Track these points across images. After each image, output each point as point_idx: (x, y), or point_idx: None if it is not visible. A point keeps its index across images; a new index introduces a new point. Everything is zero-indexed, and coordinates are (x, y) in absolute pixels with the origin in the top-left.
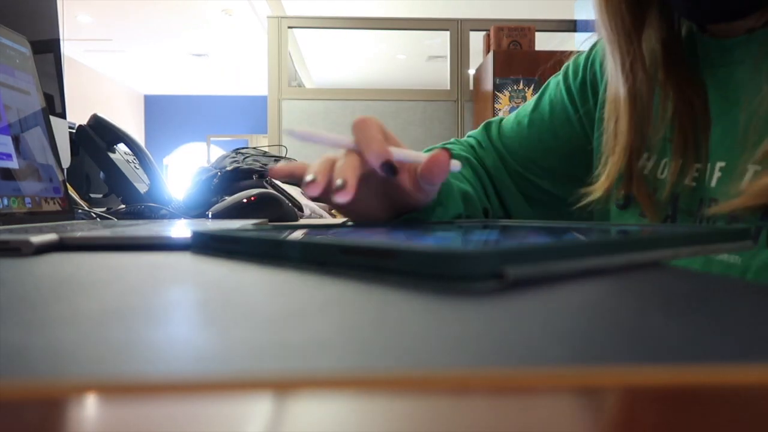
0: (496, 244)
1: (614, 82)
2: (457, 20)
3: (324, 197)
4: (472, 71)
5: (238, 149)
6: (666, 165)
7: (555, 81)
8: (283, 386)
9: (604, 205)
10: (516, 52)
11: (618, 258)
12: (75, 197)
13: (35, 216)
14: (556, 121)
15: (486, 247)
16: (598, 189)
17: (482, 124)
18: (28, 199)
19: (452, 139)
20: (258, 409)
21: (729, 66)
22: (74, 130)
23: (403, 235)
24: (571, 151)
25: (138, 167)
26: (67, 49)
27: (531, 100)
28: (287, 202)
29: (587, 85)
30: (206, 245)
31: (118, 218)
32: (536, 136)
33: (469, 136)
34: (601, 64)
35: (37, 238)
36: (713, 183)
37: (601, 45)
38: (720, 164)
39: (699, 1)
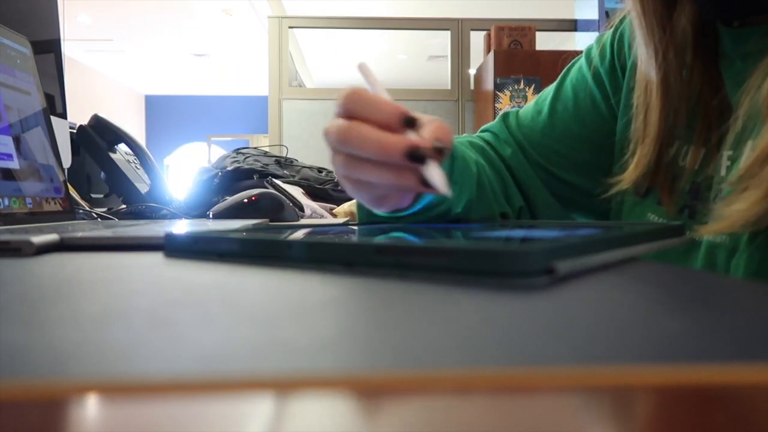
0: (544, 241)
1: (645, 70)
2: (457, 20)
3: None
4: (472, 71)
5: (238, 149)
6: (687, 152)
7: (577, 65)
8: (283, 386)
9: (632, 196)
10: (516, 52)
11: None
12: (76, 197)
13: (36, 216)
14: (582, 107)
15: (535, 244)
16: (626, 179)
17: (500, 115)
18: (29, 200)
19: (464, 135)
20: (258, 409)
21: (742, 57)
22: (75, 131)
23: (432, 232)
24: (598, 139)
25: (139, 167)
26: (67, 49)
27: (549, 88)
28: (288, 202)
29: (617, 67)
30: (207, 246)
31: (119, 218)
32: (560, 125)
33: (484, 130)
34: (630, 46)
35: (38, 239)
36: (722, 172)
37: (628, 26)
38: (728, 153)
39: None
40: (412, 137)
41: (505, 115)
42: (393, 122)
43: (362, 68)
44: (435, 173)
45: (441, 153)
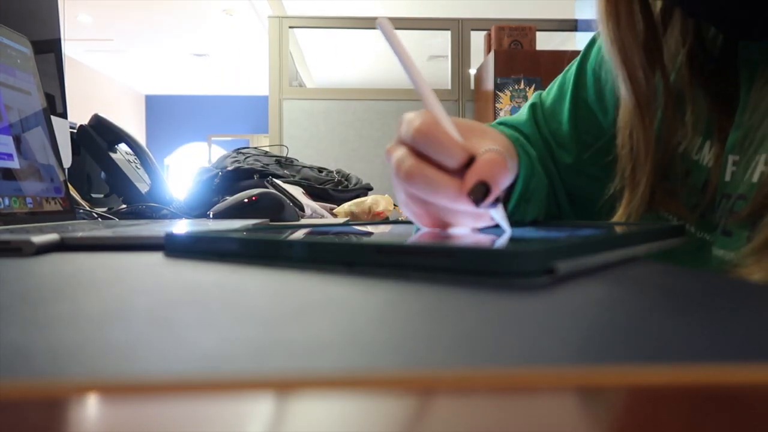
0: (544, 241)
1: (628, 120)
2: (458, 20)
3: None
4: (473, 71)
5: (239, 149)
6: (703, 145)
7: (597, 44)
8: (283, 386)
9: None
10: (517, 52)
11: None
12: (76, 197)
13: (36, 216)
14: (603, 93)
15: (536, 244)
16: (619, 217)
17: (528, 107)
18: (29, 199)
19: (502, 119)
20: (258, 409)
21: (753, 64)
22: (75, 130)
23: (425, 234)
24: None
25: (139, 167)
26: (67, 49)
27: (572, 70)
28: (288, 202)
29: None
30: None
31: (119, 218)
32: (585, 115)
33: (513, 127)
34: None
35: (38, 238)
36: (727, 177)
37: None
38: (733, 158)
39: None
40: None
41: (534, 109)
42: (460, 166)
43: (383, 25)
44: (500, 215)
45: (486, 191)
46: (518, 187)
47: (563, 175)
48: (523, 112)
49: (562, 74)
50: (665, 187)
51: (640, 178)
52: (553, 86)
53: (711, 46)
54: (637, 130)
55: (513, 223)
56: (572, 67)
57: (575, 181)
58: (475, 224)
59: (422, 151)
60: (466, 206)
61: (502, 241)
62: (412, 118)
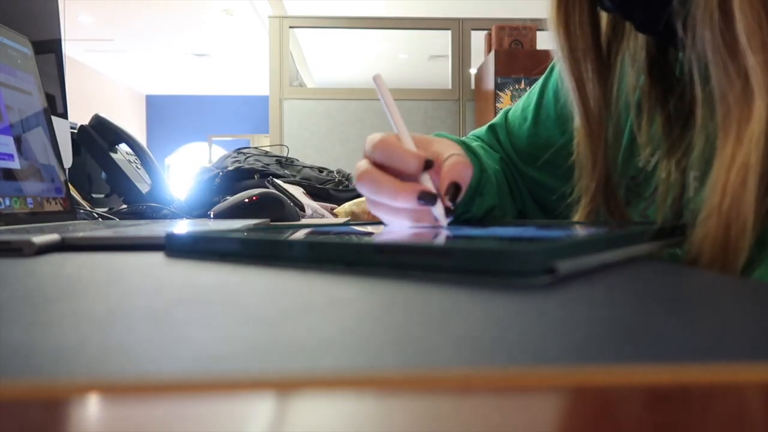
0: (545, 241)
1: (577, 118)
2: (458, 19)
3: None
4: (473, 71)
5: (239, 149)
6: (665, 162)
7: (559, 66)
8: (284, 386)
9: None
10: (517, 52)
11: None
12: (77, 197)
13: (37, 216)
14: (562, 113)
15: (536, 243)
16: (580, 215)
17: (487, 128)
18: (29, 200)
19: (475, 135)
20: (260, 408)
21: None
22: (76, 131)
23: (431, 233)
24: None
25: (140, 167)
26: (68, 49)
27: (534, 91)
28: (289, 202)
29: None
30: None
31: (119, 218)
32: (544, 134)
33: (474, 136)
34: None
35: (39, 239)
36: (691, 192)
37: None
38: (694, 173)
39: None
40: (426, 181)
41: (493, 129)
42: (413, 170)
43: (377, 80)
44: (439, 212)
45: (458, 190)
46: (471, 182)
47: (528, 185)
48: (482, 130)
49: (527, 93)
50: (617, 200)
51: (588, 185)
52: (518, 107)
53: (673, 59)
54: (583, 140)
55: (467, 216)
56: (536, 88)
57: (537, 190)
58: (418, 221)
59: (381, 161)
60: (404, 203)
61: (502, 240)
62: (373, 137)
